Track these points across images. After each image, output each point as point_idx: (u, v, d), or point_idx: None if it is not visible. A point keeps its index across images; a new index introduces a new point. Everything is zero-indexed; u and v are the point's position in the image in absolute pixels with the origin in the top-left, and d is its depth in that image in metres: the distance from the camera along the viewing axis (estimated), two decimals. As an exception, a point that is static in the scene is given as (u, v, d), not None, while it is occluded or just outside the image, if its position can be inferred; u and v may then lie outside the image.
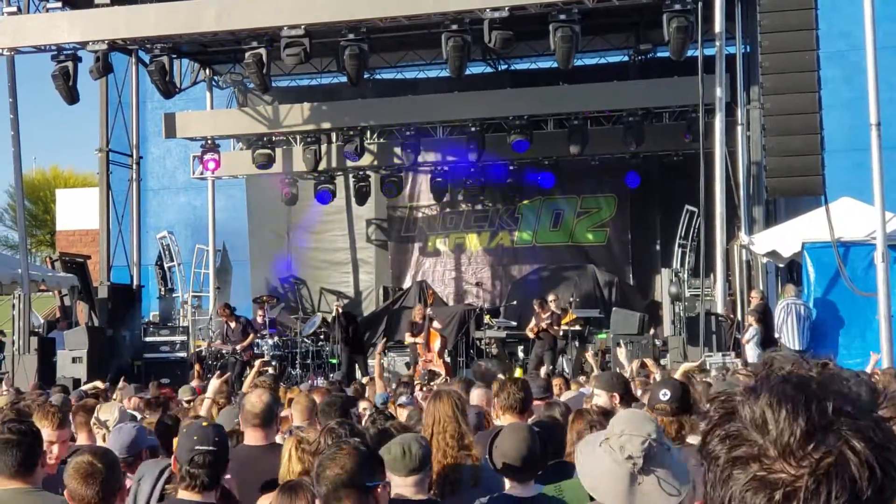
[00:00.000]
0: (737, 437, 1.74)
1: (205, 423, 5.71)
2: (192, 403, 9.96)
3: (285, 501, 4.69)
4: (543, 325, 23.34)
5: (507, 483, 5.71)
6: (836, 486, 1.65)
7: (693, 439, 6.12)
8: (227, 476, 5.66)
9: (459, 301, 29.44)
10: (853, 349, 18.50)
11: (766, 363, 1.86)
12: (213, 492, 5.43)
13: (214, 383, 9.62)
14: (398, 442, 5.58)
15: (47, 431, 6.60)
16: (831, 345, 19.17)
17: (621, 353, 11.60)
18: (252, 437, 7.06)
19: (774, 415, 1.71)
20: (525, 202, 30.28)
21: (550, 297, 24.44)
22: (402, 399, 11.16)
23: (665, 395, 6.42)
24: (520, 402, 7.48)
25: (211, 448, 5.33)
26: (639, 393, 10.36)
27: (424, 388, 14.10)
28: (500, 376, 12.60)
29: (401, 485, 5.33)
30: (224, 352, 23.51)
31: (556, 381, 12.78)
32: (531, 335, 23.67)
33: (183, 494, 5.38)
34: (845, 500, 1.65)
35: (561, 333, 23.34)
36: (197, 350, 25.49)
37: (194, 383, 19.35)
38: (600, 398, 8.20)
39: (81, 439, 8.86)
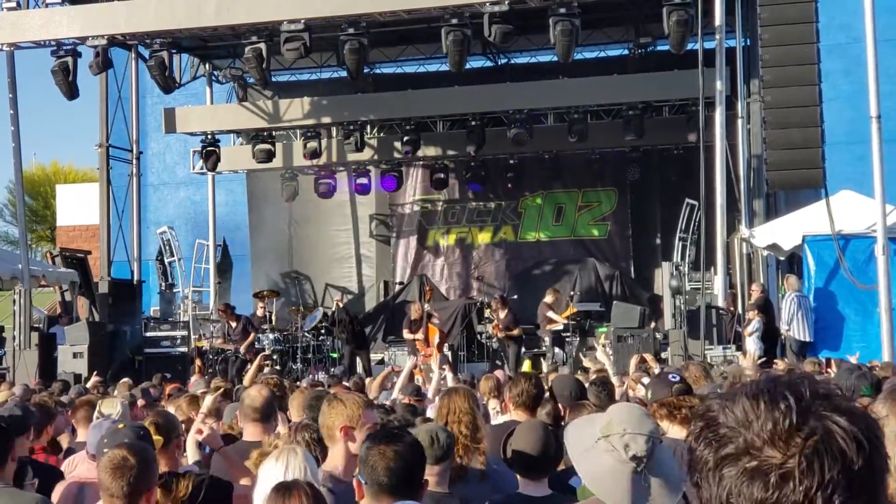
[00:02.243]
0: (722, 437, 1.79)
1: (121, 426, 5.67)
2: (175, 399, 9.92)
3: (280, 501, 4.67)
4: (497, 331, 23.58)
5: (521, 482, 5.68)
6: (829, 461, 1.71)
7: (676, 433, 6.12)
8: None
9: (461, 296, 29.45)
10: (854, 342, 18.52)
11: (732, 379, 1.94)
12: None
13: (209, 400, 9.56)
14: (425, 430, 5.56)
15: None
16: (833, 337, 19.19)
17: (600, 353, 11.54)
18: (251, 433, 7.02)
19: (754, 409, 1.77)
20: (528, 197, 30.27)
21: (549, 299, 24.43)
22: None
23: (674, 377, 6.59)
24: (532, 399, 7.47)
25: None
26: (638, 388, 10.38)
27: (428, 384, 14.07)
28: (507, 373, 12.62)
29: (427, 473, 5.29)
30: (225, 350, 23.55)
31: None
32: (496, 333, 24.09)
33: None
34: (838, 471, 1.71)
35: (502, 335, 23.57)
36: (198, 346, 25.52)
37: (195, 378, 19.38)
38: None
39: (82, 434, 8.86)
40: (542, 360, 24.14)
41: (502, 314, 23.61)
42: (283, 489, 4.67)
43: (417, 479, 4.56)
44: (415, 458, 4.52)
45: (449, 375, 13.82)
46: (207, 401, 9.40)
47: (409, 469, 4.37)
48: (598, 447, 4.07)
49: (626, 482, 4.00)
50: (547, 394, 8.14)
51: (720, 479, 1.76)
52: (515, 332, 23.48)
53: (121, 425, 5.73)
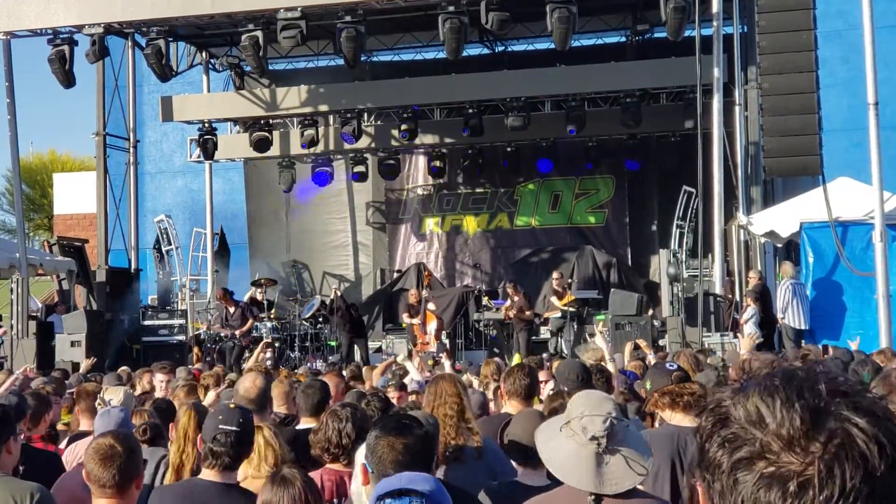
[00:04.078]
0: (735, 439, 1.69)
1: (231, 405, 5.71)
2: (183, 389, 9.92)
3: (278, 491, 4.68)
4: (511, 312, 23.68)
5: (519, 471, 5.71)
6: (850, 467, 1.61)
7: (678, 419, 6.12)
8: None
9: (455, 283, 29.46)
10: (851, 329, 18.54)
11: (743, 368, 1.83)
12: (235, 473, 5.45)
13: (211, 394, 9.62)
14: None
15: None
16: (831, 325, 19.22)
17: (599, 338, 11.50)
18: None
19: (769, 408, 1.67)
20: (523, 184, 30.25)
21: (555, 276, 24.74)
22: (414, 385, 11.14)
23: (672, 365, 6.54)
24: (525, 389, 7.48)
25: (234, 428, 5.33)
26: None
27: (427, 371, 14.09)
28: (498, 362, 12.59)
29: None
30: (223, 335, 23.51)
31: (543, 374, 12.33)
32: (504, 318, 24.20)
33: (205, 474, 5.40)
34: (860, 478, 1.61)
35: (526, 315, 23.66)
36: (196, 333, 25.49)
37: (198, 366, 19.40)
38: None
39: (84, 423, 8.87)
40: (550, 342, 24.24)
41: (517, 297, 23.71)
42: (281, 480, 4.68)
43: (426, 472, 4.54)
44: (424, 451, 4.46)
45: (447, 364, 13.81)
46: (210, 396, 9.45)
47: (418, 463, 4.29)
48: (561, 435, 4.21)
49: (587, 463, 4.10)
50: (550, 384, 8.15)
51: (735, 484, 1.67)
52: (528, 314, 23.61)
53: (231, 405, 5.76)
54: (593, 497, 4.09)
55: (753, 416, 1.68)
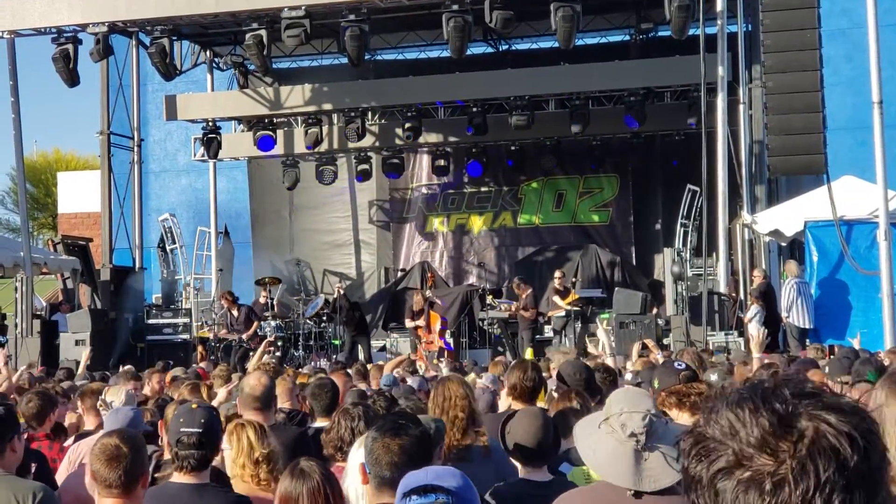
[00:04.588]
0: (711, 451, 1.74)
1: (193, 406, 5.68)
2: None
3: (297, 484, 4.67)
4: (519, 310, 23.68)
5: (521, 468, 5.70)
6: (822, 461, 1.67)
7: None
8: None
9: (460, 282, 29.45)
10: (856, 328, 18.51)
11: (718, 391, 1.90)
12: (206, 472, 5.43)
13: (222, 392, 9.60)
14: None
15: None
16: (835, 323, 19.20)
17: (602, 334, 11.46)
18: (252, 421, 7.03)
19: (738, 418, 1.73)
20: (528, 183, 30.23)
21: (557, 275, 24.71)
22: (415, 384, 11.14)
23: (680, 364, 6.50)
24: (529, 386, 7.46)
25: (197, 430, 5.31)
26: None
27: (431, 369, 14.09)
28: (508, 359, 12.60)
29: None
30: (230, 340, 23.57)
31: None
32: (508, 316, 24.21)
33: (176, 477, 5.38)
34: (833, 470, 1.67)
35: (528, 314, 23.65)
36: (200, 336, 25.56)
37: (202, 364, 19.42)
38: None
39: (89, 422, 8.87)
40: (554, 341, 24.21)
41: (525, 294, 23.71)
42: (300, 472, 4.68)
43: None
44: (420, 452, 4.44)
45: (445, 370, 13.78)
46: (221, 393, 9.46)
47: (415, 463, 4.25)
48: (600, 432, 4.20)
49: (627, 460, 4.09)
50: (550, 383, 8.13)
51: (716, 495, 1.72)
52: (531, 312, 23.60)
53: (193, 405, 5.73)
54: (633, 493, 4.10)
55: (727, 429, 1.74)
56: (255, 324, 23.44)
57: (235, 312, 23.68)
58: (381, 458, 4.36)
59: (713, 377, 9.21)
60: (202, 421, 5.37)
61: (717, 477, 1.72)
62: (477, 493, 3.72)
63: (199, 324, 26.60)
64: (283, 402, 8.03)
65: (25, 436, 6.53)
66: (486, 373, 12.92)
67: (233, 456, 5.73)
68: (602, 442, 4.20)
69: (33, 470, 6.13)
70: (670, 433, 4.22)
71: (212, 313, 26.17)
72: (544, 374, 8.42)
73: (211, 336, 25.22)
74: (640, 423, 4.12)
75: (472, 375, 12.64)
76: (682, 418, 6.10)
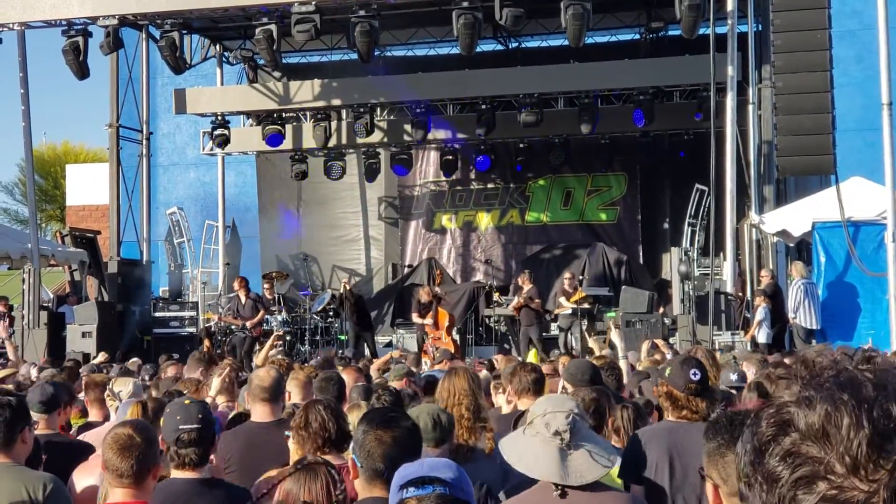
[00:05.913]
0: (798, 454, 1.55)
1: (187, 402, 5.67)
2: (200, 384, 9.88)
3: (305, 480, 4.67)
4: (521, 300, 23.62)
5: None
6: None
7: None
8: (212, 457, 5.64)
9: (467, 279, 29.45)
10: (863, 329, 18.52)
11: (804, 363, 1.70)
12: (206, 467, 5.43)
13: (216, 381, 9.51)
14: (427, 412, 5.56)
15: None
16: (842, 325, 19.18)
17: (615, 335, 11.39)
18: (259, 413, 7.04)
19: (836, 427, 1.53)
20: (536, 180, 30.22)
21: (566, 275, 24.58)
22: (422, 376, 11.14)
23: (696, 374, 6.25)
24: (533, 384, 7.47)
25: (196, 426, 5.31)
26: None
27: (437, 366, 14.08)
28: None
29: (430, 455, 5.26)
30: (233, 327, 23.51)
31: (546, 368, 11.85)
32: (513, 312, 24.09)
33: (176, 473, 5.37)
34: None
35: (535, 304, 23.62)
36: (206, 325, 25.54)
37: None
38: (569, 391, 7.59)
39: (94, 414, 8.89)
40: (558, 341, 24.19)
41: (527, 287, 23.66)
42: (307, 468, 4.67)
43: None
44: (412, 444, 4.43)
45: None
46: (215, 383, 9.43)
47: (407, 456, 4.22)
48: (525, 437, 4.36)
49: (552, 457, 4.21)
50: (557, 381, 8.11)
51: (793, 501, 1.53)
52: (537, 302, 23.55)
53: (186, 401, 5.72)
54: (559, 490, 4.14)
55: (817, 432, 1.54)
56: (262, 312, 23.26)
57: (244, 299, 23.41)
58: (374, 451, 4.34)
59: (733, 377, 9.19)
60: (199, 416, 5.36)
61: (798, 484, 1.54)
62: (471, 484, 3.74)
63: (207, 309, 26.62)
64: (297, 398, 7.89)
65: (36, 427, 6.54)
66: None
67: None
68: (527, 445, 4.31)
69: (44, 461, 6.14)
70: (593, 435, 4.38)
71: (218, 307, 26.17)
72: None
73: (215, 319, 25.20)
74: (563, 421, 4.23)
75: (485, 373, 12.59)
76: (674, 416, 6.06)
